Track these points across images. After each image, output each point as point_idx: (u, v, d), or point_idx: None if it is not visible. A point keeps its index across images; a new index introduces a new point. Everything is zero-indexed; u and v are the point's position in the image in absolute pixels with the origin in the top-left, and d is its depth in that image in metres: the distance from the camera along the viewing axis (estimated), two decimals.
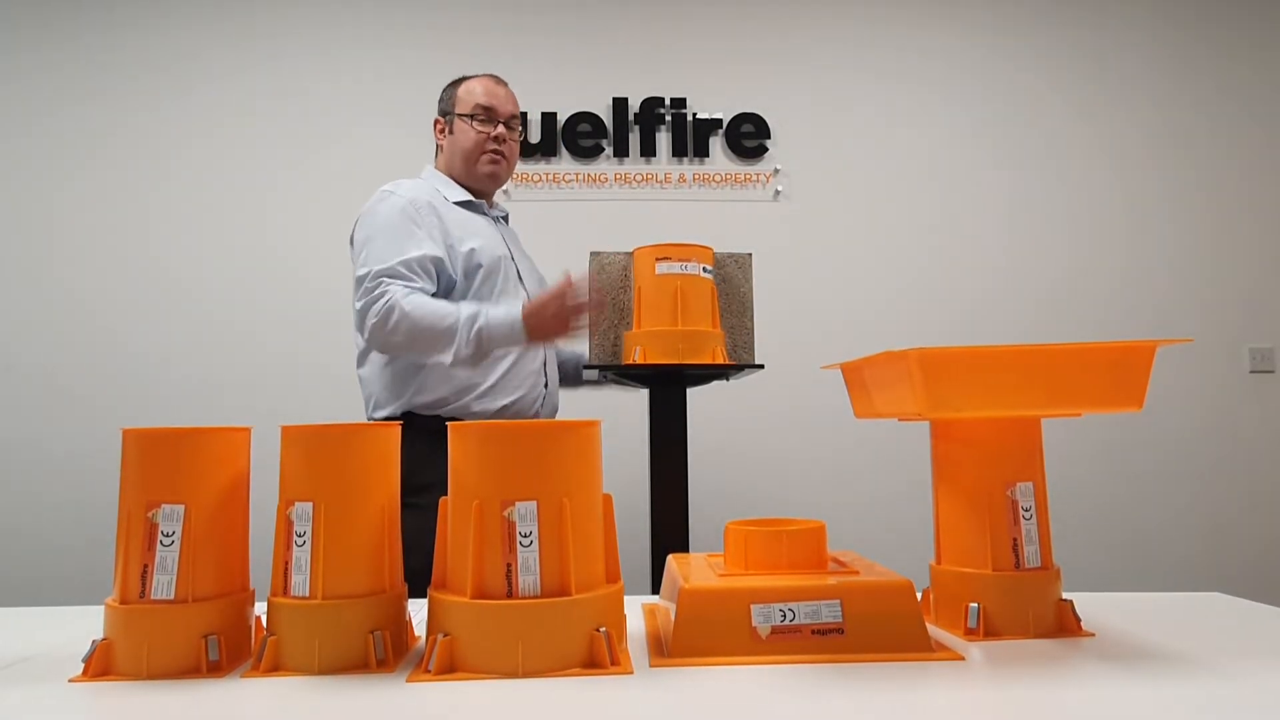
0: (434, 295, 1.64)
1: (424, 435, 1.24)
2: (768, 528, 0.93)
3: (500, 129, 1.78)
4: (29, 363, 2.88)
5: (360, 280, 1.62)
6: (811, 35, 3.11)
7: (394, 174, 2.95)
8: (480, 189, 1.84)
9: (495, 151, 1.79)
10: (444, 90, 1.88)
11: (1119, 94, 3.14)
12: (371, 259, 1.61)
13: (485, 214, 1.82)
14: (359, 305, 1.59)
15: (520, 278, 1.81)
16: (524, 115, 3.03)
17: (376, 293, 1.57)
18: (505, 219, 1.93)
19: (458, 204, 1.77)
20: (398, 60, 3.03)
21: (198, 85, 2.99)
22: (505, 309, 1.58)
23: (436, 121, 1.85)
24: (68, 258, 2.91)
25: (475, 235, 1.73)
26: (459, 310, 1.57)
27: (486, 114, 1.77)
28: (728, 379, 1.91)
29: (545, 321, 1.57)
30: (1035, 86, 3.13)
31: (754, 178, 3.04)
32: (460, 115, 1.78)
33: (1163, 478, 3.00)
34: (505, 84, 1.84)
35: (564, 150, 3.02)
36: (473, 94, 1.79)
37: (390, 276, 1.58)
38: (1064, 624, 0.92)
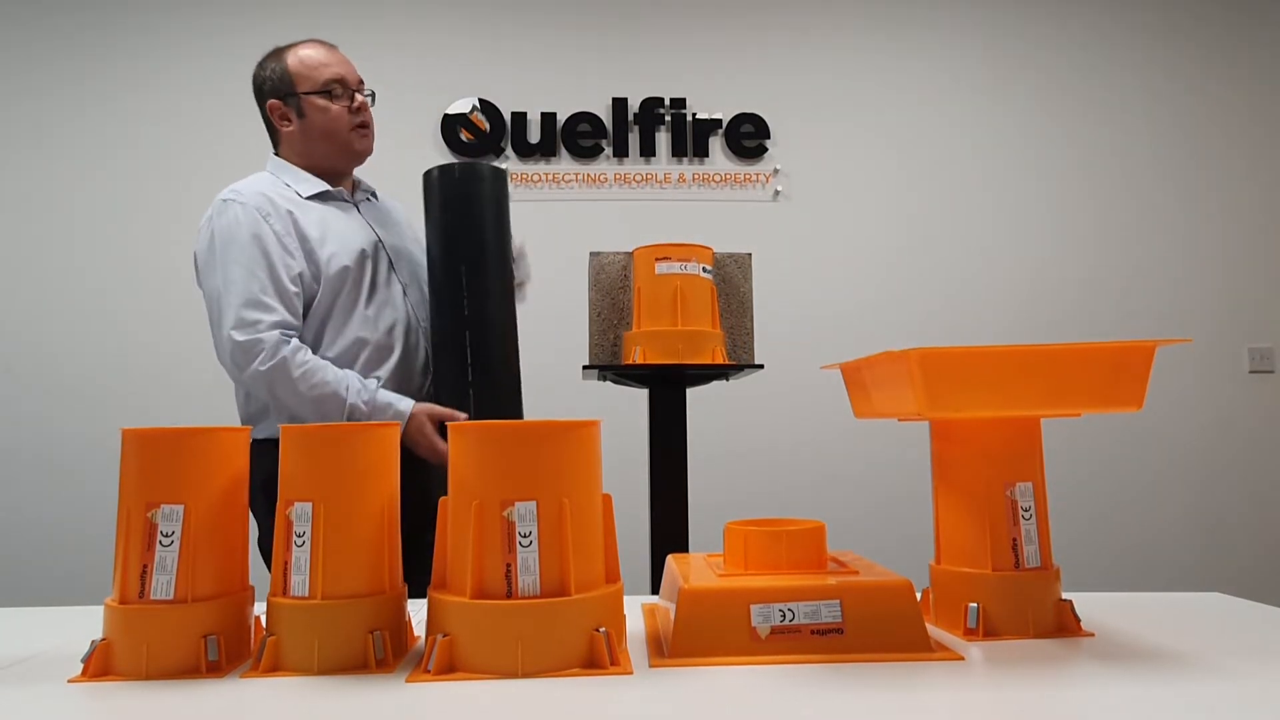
0: (303, 312, 1.52)
1: None
2: (767, 528, 0.93)
3: (359, 98, 1.61)
4: (29, 363, 2.88)
5: (222, 310, 1.47)
6: (811, 35, 3.11)
7: (394, 174, 2.95)
8: (343, 170, 1.65)
9: (362, 125, 1.61)
10: (264, 67, 1.61)
11: (1121, 95, 3.14)
12: (230, 291, 1.46)
13: (344, 200, 1.63)
14: (241, 339, 1.44)
15: (392, 267, 1.63)
16: (523, 115, 3.05)
17: (249, 339, 1.44)
18: (373, 196, 1.73)
19: (311, 198, 1.58)
20: (395, 62, 3.03)
21: (194, 87, 2.99)
22: (394, 407, 1.46)
23: (273, 106, 1.59)
24: (68, 259, 2.91)
25: (333, 234, 1.56)
26: (344, 387, 1.45)
27: (342, 87, 1.58)
28: (728, 379, 1.91)
29: (424, 440, 1.46)
30: (1036, 87, 3.13)
31: (754, 178, 3.04)
32: (308, 94, 1.57)
33: (1162, 477, 3.00)
34: (334, 46, 1.64)
35: (564, 150, 3.02)
36: (314, 67, 1.58)
37: (262, 311, 1.45)
38: (1063, 624, 0.92)
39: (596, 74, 3.05)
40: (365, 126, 1.62)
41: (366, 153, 1.65)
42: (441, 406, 1.51)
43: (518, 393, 1.61)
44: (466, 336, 1.51)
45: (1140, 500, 2.99)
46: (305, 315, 1.53)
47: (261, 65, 1.63)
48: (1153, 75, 3.15)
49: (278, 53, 1.62)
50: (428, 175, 1.58)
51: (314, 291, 1.53)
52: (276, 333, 1.45)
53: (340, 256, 1.55)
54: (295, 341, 1.47)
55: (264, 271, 1.47)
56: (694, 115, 3.04)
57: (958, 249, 3.05)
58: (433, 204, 1.56)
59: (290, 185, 1.59)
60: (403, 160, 2.95)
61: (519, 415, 1.60)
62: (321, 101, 1.57)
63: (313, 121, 1.58)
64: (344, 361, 1.53)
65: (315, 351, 1.52)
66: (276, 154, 1.66)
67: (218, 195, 1.55)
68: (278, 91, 1.59)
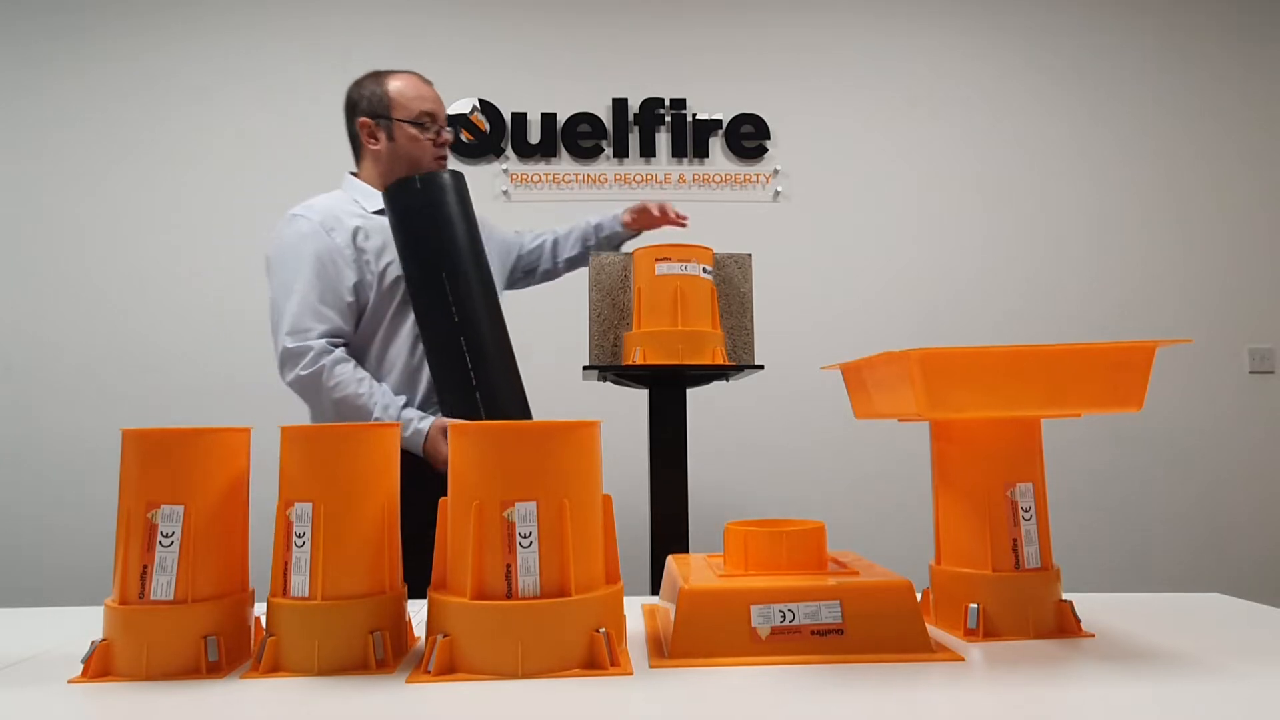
0: (357, 320, 1.62)
1: None
2: (768, 528, 0.93)
3: (444, 134, 1.75)
4: (29, 363, 2.88)
5: (280, 316, 1.58)
6: (811, 36, 3.11)
7: None
8: None
9: (442, 157, 1.75)
10: (362, 86, 1.73)
11: (1121, 95, 3.14)
12: (288, 300, 1.57)
13: None
14: (290, 345, 1.56)
15: None
16: (523, 115, 3.05)
17: (298, 346, 1.55)
18: None
19: (376, 213, 1.69)
20: (395, 63, 3.02)
21: (195, 86, 2.99)
22: (413, 425, 1.56)
23: (363, 123, 1.71)
24: (67, 258, 2.91)
25: (393, 247, 1.65)
26: (373, 403, 1.55)
27: (432, 120, 1.72)
28: (728, 379, 1.91)
29: (437, 454, 1.54)
30: (1036, 86, 3.13)
31: (754, 178, 3.04)
32: (403, 121, 1.69)
33: (1163, 478, 3.00)
34: (430, 82, 1.78)
35: (564, 151, 3.02)
36: (412, 97, 1.71)
37: (315, 320, 1.57)
38: (1064, 624, 0.92)
39: (596, 74, 3.04)
40: (444, 159, 1.75)
41: None
42: (452, 418, 1.56)
43: (519, 386, 1.64)
44: (461, 341, 1.55)
45: (1140, 500, 2.99)
46: (361, 322, 1.63)
47: (359, 84, 1.74)
48: (1153, 75, 3.15)
49: (378, 76, 1.73)
50: (386, 192, 1.62)
51: (368, 299, 1.62)
52: (324, 341, 1.56)
53: (396, 267, 1.64)
54: (339, 352, 1.58)
55: (322, 282, 1.58)
56: (694, 115, 3.04)
57: (958, 249, 3.05)
58: (398, 219, 1.60)
59: (358, 201, 1.70)
60: None
61: (525, 407, 1.65)
62: (412, 130, 1.70)
63: (400, 146, 1.70)
64: (390, 366, 1.64)
65: (366, 354, 1.63)
66: (354, 171, 1.77)
67: (289, 210, 1.66)
68: (372, 111, 1.70)
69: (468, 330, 1.54)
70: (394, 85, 1.71)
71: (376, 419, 1.53)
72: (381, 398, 1.57)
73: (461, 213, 1.61)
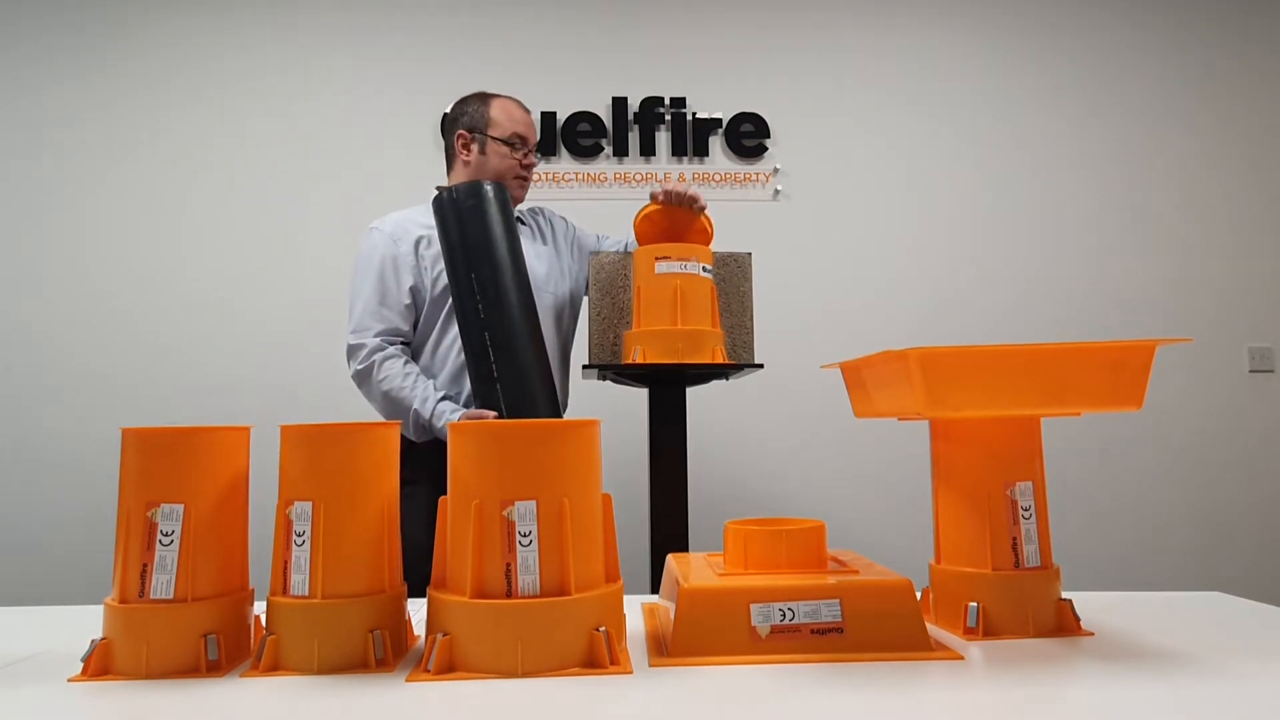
0: (415, 321, 1.80)
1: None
2: (767, 527, 0.93)
3: (530, 157, 1.90)
4: (29, 363, 2.88)
5: (350, 317, 1.79)
6: (811, 35, 3.11)
7: (393, 173, 2.95)
8: None
9: (524, 177, 1.89)
10: (467, 104, 1.91)
11: (1121, 94, 3.14)
12: (356, 302, 1.79)
13: None
14: (352, 342, 1.76)
15: None
16: None
17: (357, 343, 1.75)
18: (519, 221, 1.96)
19: None
20: (395, 62, 3.03)
21: (201, 84, 2.99)
22: (445, 416, 1.70)
23: (460, 135, 1.88)
24: (67, 259, 2.91)
25: None
26: (414, 396, 1.71)
27: (522, 142, 1.87)
28: (727, 379, 1.91)
29: None
30: (1036, 85, 3.13)
31: (754, 177, 3.04)
32: (495, 138, 1.86)
33: (1162, 477, 3.00)
34: (528, 110, 1.93)
35: (563, 150, 3.02)
36: (507, 119, 1.87)
37: (375, 320, 1.76)
38: (1063, 623, 0.92)
39: (596, 74, 3.04)
40: (526, 180, 1.91)
41: (519, 200, 1.92)
42: (475, 409, 1.66)
43: (550, 385, 1.69)
44: (485, 337, 1.62)
45: (1140, 500, 2.99)
46: (419, 323, 1.80)
47: (464, 101, 1.93)
48: (1153, 74, 3.15)
49: (483, 96, 1.92)
50: (433, 201, 1.72)
51: (424, 301, 1.79)
52: (379, 340, 1.74)
53: (446, 275, 1.73)
54: (391, 349, 1.75)
55: (384, 287, 1.78)
56: (694, 115, 3.04)
57: (958, 248, 3.05)
58: (439, 223, 1.70)
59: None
60: (402, 160, 2.97)
61: (554, 406, 1.71)
62: (503, 149, 1.86)
63: (489, 161, 1.86)
64: (440, 364, 1.78)
65: (421, 352, 1.79)
66: (439, 185, 1.86)
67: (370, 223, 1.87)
68: (471, 126, 1.88)
69: (492, 326, 1.61)
70: (495, 105, 1.89)
71: (415, 411, 1.69)
72: (422, 392, 1.71)
73: (500, 218, 1.68)
